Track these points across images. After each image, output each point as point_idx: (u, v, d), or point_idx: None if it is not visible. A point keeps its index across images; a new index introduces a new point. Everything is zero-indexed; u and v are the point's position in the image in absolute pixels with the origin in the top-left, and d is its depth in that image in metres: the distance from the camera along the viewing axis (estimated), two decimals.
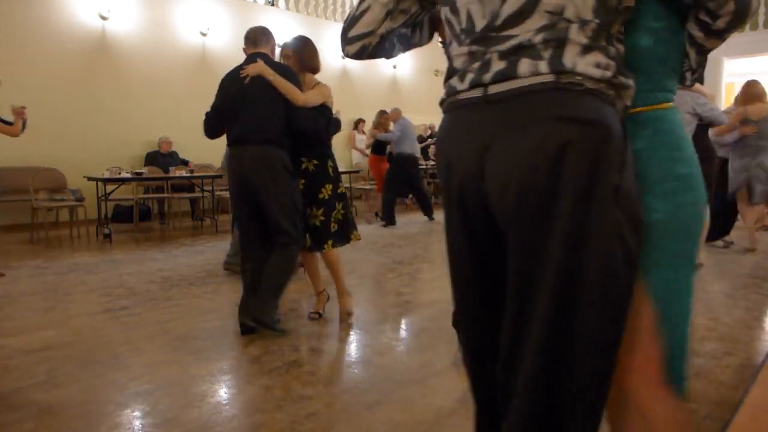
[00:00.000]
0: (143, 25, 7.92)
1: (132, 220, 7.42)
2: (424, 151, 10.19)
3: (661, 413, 1.04)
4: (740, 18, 0.98)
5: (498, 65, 0.92)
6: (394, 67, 11.81)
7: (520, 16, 0.92)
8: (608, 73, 0.90)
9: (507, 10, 0.93)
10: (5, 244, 5.86)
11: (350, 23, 1.17)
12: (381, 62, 11.58)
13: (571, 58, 0.89)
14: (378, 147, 7.85)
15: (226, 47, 8.88)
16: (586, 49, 0.90)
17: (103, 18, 7.44)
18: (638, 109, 1.04)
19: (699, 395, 2.18)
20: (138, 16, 7.86)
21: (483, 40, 0.96)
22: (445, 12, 1.05)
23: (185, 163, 7.89)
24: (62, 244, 6.05)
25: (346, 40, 1.19)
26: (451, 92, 1.01)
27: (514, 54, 0.91)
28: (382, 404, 2.12)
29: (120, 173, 6.52)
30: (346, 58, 7.24)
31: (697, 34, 1.04)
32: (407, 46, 1.25)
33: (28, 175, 6.17)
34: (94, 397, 2.20)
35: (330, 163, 3.16)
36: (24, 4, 6.76)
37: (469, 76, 0.96)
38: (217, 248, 5.64)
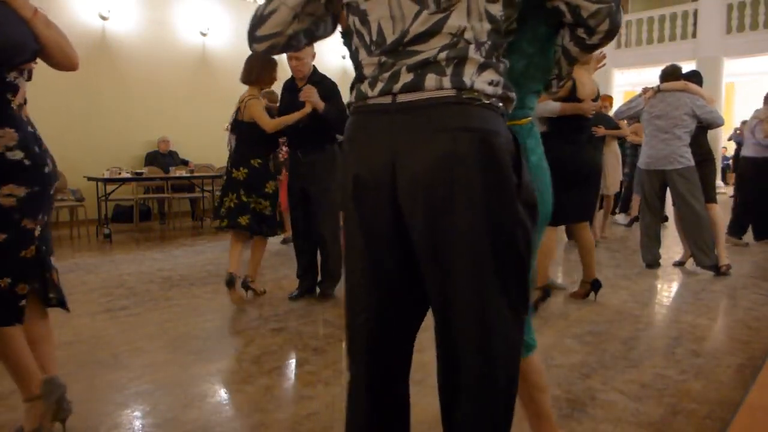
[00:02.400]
0: (143, 25, 7.92)
1: (132, 220, 7.42)
2: None
3: None
4: (611, 36, 1.16)
5: (406, 77, 1.04)
6: None
7: (426, 35, 1.04)
8: (499, 90, 1.06)
9: (416, 29, 1.04)
10: None
11: (257, 22, 1.24)
12: None
13: (469, 75, 1.03)
14: None
15: (226, 47, 8.88)
16: (482, 67, 1.05)
17: (103, 18, 7.45)
18: None
19: (699, 395, 2.18)
20: (138, 16, 7.86)
21: (393, 53, 1.07)
22: (353, 21, 1.14)
23: (185, 163, 7.89)
24: (62, 244, 6.05)
25: (253, 38, 1.27)
26: (360, 97, 1.11)
27: (420, 68, 1.03)
28: None
29: (120, 173, 6.53)
30: (347, 58, 7.31)
31: (574, 48, 1.22)
32: (312, 39, 1.33)
33: None
34: (94, 397, 2.20)
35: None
36: None
37: (380, 85, 1.07)
38: (217, 248, 5.64)
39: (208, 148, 8.25)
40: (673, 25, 12.23)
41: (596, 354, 2.62)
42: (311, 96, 3.34)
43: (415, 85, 1.03)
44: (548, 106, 3.25)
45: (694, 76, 4.51)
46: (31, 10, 1.59)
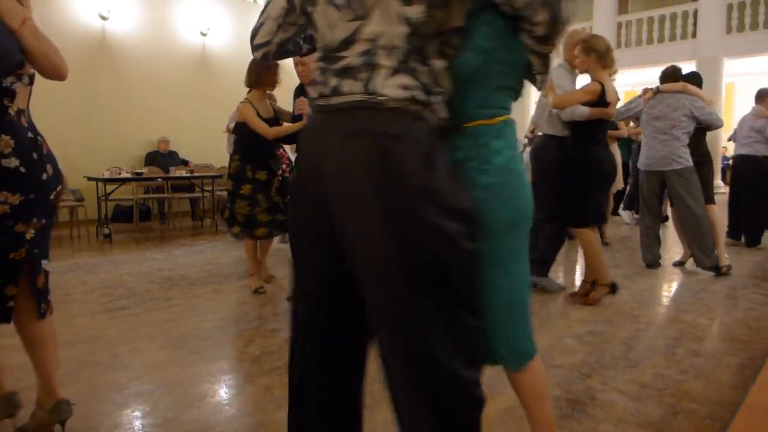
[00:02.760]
0: (143, 25, 7.92)
1: (132, 220, 7.42)
2: None
3: None
4: (556, 25, 1.13)
5: (333, 82, 1.12)
6: None
7: (347, 43, 1.11)
8: (409, 93, 1.07)
9: (339, 36, 1.12)
10: None
11: (253, 34, 1.36)
12: None
13: (380, 80, 1.07)
14: None
15: (226, 47, 8.88)
16: (395, 72, 1.08)
17: (103, 18, 7.44)
18: (465, 123, 1.22)
19: (699, 395, 2.18)
20: (138, 16, 7.86)
21: (327, 59, 1.16)
22: (312, 29, 1.24)
23: (185, 163, 7.89)
24: (62, 244, 6.05)
25: (252, 47, 1.39)
26: (310, 99, 1.21)
27: (342, 74, 1.11)
28: (382, 404, 2.11)
29: (120, 173, 6.53)
30: None
31: (528, 41, 1.19)
32: (299, 51, 1.44)
33: None
34: (94, 397, 2.20)
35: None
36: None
37: (318, 87, 1.16)
38: (217, 248, 5.64)
39: (208, 148, 8.24)
40: (673, 25, 12.22)
41: (596, 354, 2.62)
42: (304, 108, 3.37)
43: (337, 90, 1.11)
44: (577, 110, 3.31)
45: (694, 78, 4.51)
46: (18, 20, 1.57)
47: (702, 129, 4.37)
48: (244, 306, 3.57)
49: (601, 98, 3.24)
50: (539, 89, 1.34)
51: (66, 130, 7.04)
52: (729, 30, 11.47)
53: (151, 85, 7.95)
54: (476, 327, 1.13)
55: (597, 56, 3.23)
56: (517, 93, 1.29)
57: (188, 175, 7.08)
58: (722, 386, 2.28)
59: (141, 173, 6.76)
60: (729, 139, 8.33)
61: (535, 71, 1.27)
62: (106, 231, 6.20)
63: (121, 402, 2.16)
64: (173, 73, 8.18)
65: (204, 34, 8.59)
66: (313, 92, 1.18)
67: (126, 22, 7.72)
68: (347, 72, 1.10)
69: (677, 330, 3.00)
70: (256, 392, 2.24)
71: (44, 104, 6.57)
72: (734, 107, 14.45)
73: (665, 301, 3.68)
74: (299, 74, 3.59)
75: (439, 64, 1.13)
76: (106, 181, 6.33)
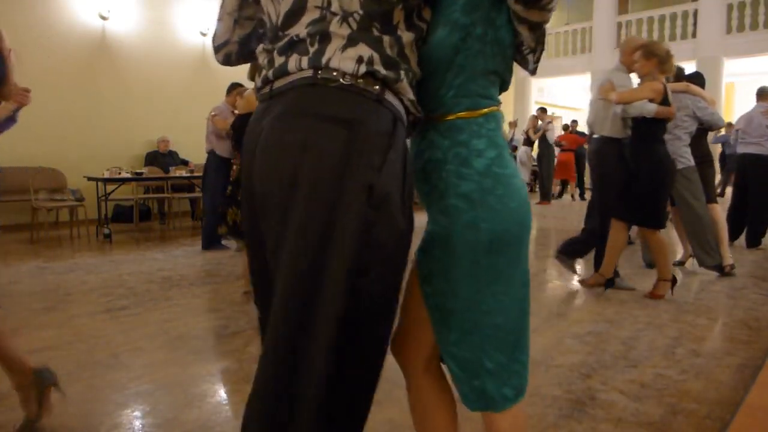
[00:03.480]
0: (143, 25, 7.92)
1: (132, 220, 7.42)
2: None
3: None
4: None
5: (278, 61, 0.93)
6: None
7: (294, 15, 0.93)
8: (371, 67, 0.88)
9: (284, 8, 0.94)
10: (5, 244, 5.86)
11: (213, 36, 1.22)
12: None
13: (331, 52, 0.89)
14: None
15: None
16: (350, 42, 0.89)
17: (103, 18, 7.44)
18: (439, 116, 1.02)
19: (699, 395, 2.18)
20: (138, 16, 7.86)
21: (272, 40, 0.98)
22: (262, 14, 1.06)
23: (185, 163, 7.89)
24: (62, 244, 6.05)
25: (214, 50, 1.24)
26: (256, 88, 1.02)
27: (288, 50, 0.92)
28: (382, 404, 2.12)
29: (120, 173, 6.52)
30: None
31: (515, 7, 0.95)
32: None
33: (28, 175, 6.17)
34: (94, 397, 2.20)
35: None
36: (24, 3, 6.75)
37: (263, 73, 0.97)
38: (217, 248, 5.63)
39: None
40: (673, 25, 12.22)
41: (596, 354, 2.62)
42: None
43: (282, 69, 0.92)
44: (646, 107, 3.39)
45: (697, 78, 4.52)
46: None
47: (703, 129, 4.37)
48: (244, 306, 3.56)
49: (664, 98, 3.35)
50: (532, 73, 1.09)
51: (66, 130, 7.04)
52: (729, 30, 11.47)
53: (151, 85, 7.94)
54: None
55: (658, 61, 3.38)
56: (503, 80, 1.06)
57: (188, 175, 7.07)
58: (722, 386, 2.28)
59: (141, 173, 6.76)
60: (713, 142, 8.30)
61: (526, 49, 1.03)
62: (106, 231, 6.20)
63: (121, 402, 2.16)
64: (173, 73, 8.17)
65: (204, 34, 8.59)
66: (257, 81, 1.00)
67: (126, 22, 7.72)
68: (293, 47, 0.91)
69: (677, 330, 3.00)
70: None
71: (44, 104, 6.59)
72: (734, 107, 14.44)
73: (665, 301, 3.67)
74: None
75: (407, 35, 0.94)
76: (106, 181, 6.33)
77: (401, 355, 1.18)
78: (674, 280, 3.65)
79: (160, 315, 3.32)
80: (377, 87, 0.90)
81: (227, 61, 1.24)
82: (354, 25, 0.89)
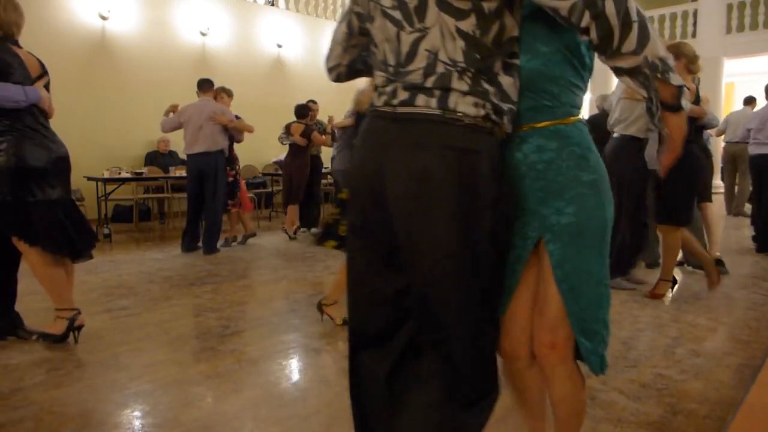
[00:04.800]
0: (143, 25, 7.92)
1: (132, 220, 7.42)
2: None
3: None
4: (602, 27, 1.05)
5: (402, 95, 1.17)
6: None
7: (409, 57, 1.17)
8: (483, 112, 1.14)
9: (401, 49, 1.18)
10: None
11: (326, 58, 1.50)
12: None
13: (454, 100, 1.13)
14: None
15: (226, 47, 8.88)
16: (466, 94, 1.13)
17: (103, 18, 7.44)
18: (543, 123, 1.24)
19: (699, 395, 2.19)
20: (138, 16, 7.85)
21: (393, 73, 1.20)
22: (372, 47, 1.30)
23: (185, 163, 7.88)
24: None
25: (327, 70, 1.52)
26: (371, 105, 1.26)
27: (414, 90, 1.15)
28: None
29: (120, 173, 6.52)
30: None
31: (600, 58, 1.15)
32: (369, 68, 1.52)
33: None
34: (94, 397, 2.20)
35: None
36: (24, 3, 6.72)
37: (383, 98, 1.21)
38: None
39: None
40: (673, 25, 12.22)
41: None
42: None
43: (409, 102, 1.15)
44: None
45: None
46: None
47: (699, 127, 4.37)
48: (244, 306, 3.57)
49: (696, 98, 3.37)
50: (656, 125, 1.22)
51: (66, 130, 7.00)
52: (729, 30, 11.47)
53: (151, 85, 7.94)
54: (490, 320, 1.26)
55: (687, 61, 3.37)
56: (583, 91, 1.30)
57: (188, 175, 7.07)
58: (722, 386, 2.28)
59: (141, 173, 6.75)
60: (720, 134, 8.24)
61: (647, 104, 1.18)
62: (106, 231, 6.20)
63: (121, 402, 2.16)
64: (173, 73, 8.17)
65: (204, 34, 8.59)
66: (377, 100, 1.24)
67: (126, 22, 7.71)
68: (418, 89, 1.15)
69: (677, 330, 3.00)
70: (257, 392, 2.24)
71: None
72: (734, 107, 14.45)
73: (665, 301, 3.67)
74: None
75: (506, 80, 1.17)
76: (106, 180, 6.33)
77: (514, 341, 1.34)
78: (674, 281, 3.65)
79: (160, 315, 3.32)
80: (489, 124, 1.15)
81: (338, 79, 1.54)
82: (468, 81, 1.13)
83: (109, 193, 6.60)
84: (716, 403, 2.12)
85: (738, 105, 10.01)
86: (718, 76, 11.33)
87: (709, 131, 7.47)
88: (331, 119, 6.64)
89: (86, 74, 7.34)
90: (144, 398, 2.19)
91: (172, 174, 7.05)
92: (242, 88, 8.97)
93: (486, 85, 1.14)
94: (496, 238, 1.18)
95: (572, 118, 1.26)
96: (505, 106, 1.17)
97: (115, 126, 7.59)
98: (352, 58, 1.47)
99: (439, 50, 1.13)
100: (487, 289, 1.20)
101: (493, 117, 1.15)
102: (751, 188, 6.45)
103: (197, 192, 5.43)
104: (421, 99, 1.14)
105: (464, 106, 1.12)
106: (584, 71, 1.27)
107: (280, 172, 8.64)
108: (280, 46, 9.61)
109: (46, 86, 2.94)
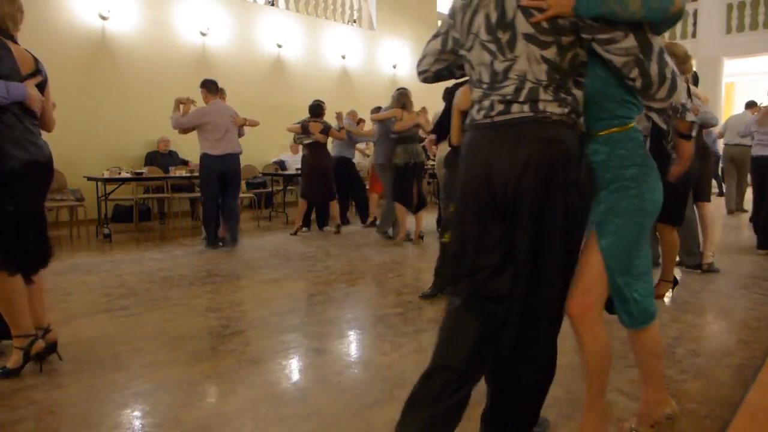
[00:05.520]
0: (143, 25, 7.92)
1: (132, 220, 7.42)
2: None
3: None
4: (646, 80, 1.45)
5: (499, 107, 1.52)
6: (394, 67, 11.80)
7: (503, 78, 1.52)
8: (566, 110, 1.49)
9: (494, 71, 1.54)
10: None
11: (418, 63, 1.87)
12: (381, 61, 11.58)
13: (542, 105, 1.48)
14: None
15: (226, 47, 8.88)
16: (551, 101, 1.48)
17: (103, 18, 7.44)
18: (599, 132, 1.60)
19: (699, 395, 2.18)
20: (138, 16, 7.85)
21: (488, 89, 1.56)
22: (466, 65, 1.67)
23: (185, 163, 7.88)
24: (62, 244, 6.05)
25: (418, 74, 1.89)
26: (471, 119, 1.62)
27: (508, 102, 1.51)
28: (382, 404, 2.12)
29: (120, 173, 6.52)
30: (347, 58, 7.59)
31: (639, 96, 1.56)
32: (453, 77, 1.89)
33: None
34: (94, 397, 2.20)
35: None
36: (24, 3, 6.72)
37: (482, 112, 1.57)
38: (217, 248, 5.63)
39: None
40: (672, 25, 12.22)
41: None
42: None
43: (505, 112, 1.51)
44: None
45: (691, 76, 4.51)
46: None
47: (698, 125, 4.38)
48: (244, 306, 3.57)
49: (686, 92, 3.42)
50: (669, 150, 1.68)
51: (66, 130, 7.03)
52: (729, 30, 11.47)
53: (151, 85, 7.94)
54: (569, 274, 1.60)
55: (678, 61, 3.42)
56: (637, 106, 1.61)
57: (188, 175, 7.07)
58: (722, 386, 2.28)
59: (141, 173, 6.75)
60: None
61: (664, 139, 1.68)
62: (106, 231, 6.20)
63: (121, 402, 2.16)
64: (173, 73, 8.17)
65: (204, 34, 8.59)
66: (475, 113, 1.59)
67: (126, 22, 7.71)
68: (511, 102, 1.50)
69: (677, 330, 3.00)
70: (257, 392, 2.24)
71: None
72: (734, 107, 14.45)
73: (665, 301, 3.67)
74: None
75: (578, 93, 1.53)
76: (106, 180, 6.33)
77: (577, 303, 1.62)
78: (675, 281, 3.65)
79: (160, 315, 3.32)
80: (571, 120, 1.50)
81: (425, 81, 1.90)
82: (551, 93, 1.48)
83: (109, 193, 6.60)
84: (716, 403, 2.12)
85: (738, 105, 10.03)
86: (718, 76, 11.33)
87: (713, 131, 7.47)
88: (339, 115, 6.73)
89: (86, 74, 7.34)
90: (144, 398, 2.19)
91: (172, 174, 7.05)
92: (242, 88, 8.99)
93: (564, 95, 1.49)
94: (579, 208, 1.52)
95: (624, 127, 1.59)
96: (579, 110, 1.54)
97: (115, 126, 7.59)
98: (439, 67, 1.83)
99: (527, 72, 1.48)
100: (574, 249, 1.58)
101: (573, 118, 1.50)
102: (750, 188, 6.52)
103: (217, 192, 5.64)
104: (515, 107, 1.49)
105: (551, 107, 1.47)
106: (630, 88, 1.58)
107: (280, 172, 8.67)
108: (280, 46, 9.61)
109: (40, 86, 2.65)
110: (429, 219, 8.01)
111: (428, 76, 1.87)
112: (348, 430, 1.94)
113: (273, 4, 9.94)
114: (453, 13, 1.70)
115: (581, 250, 1.62)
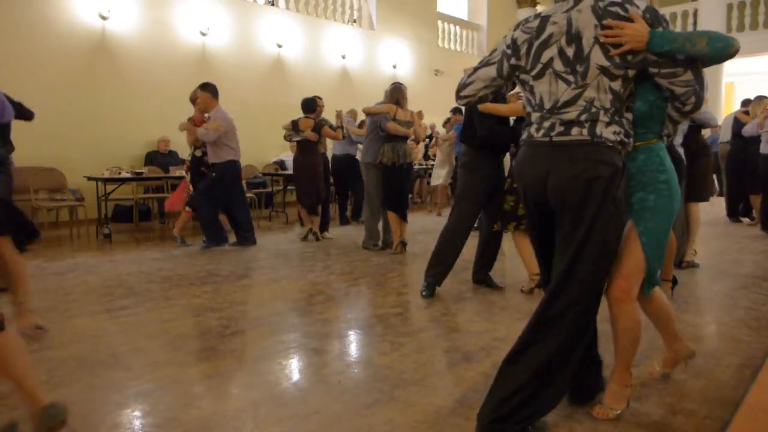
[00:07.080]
0: (143, 25, 7.92)
1: (132, 219, 7.42)
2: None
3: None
4: (697, 107, 1.82)
5: (559, 128, 1.81)
6: (394, 66, 11.79)
7: (569, 103, 1.80)
8: (619, 138, 1.78)
9: (563, 98, 1.81)
10: None
11: (461, 87, 2.04)
12: (381, 62, 11.58)
13: (600, 129, 1.76)
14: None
15: (226, 47, 8.87)
16: (608, 124, 1.77)
17: (103, 18, 7.44)
18: (637, 144, 1.89)
19: (699, 395, 2.18)
20: (138, 16, 7.85)
21: (550, 113, 1.84)
22: (525, 91, 1.93)
23: (185, 162, 7.88)
24: (62, 244, 6.05)
25: (458, 97, 2.06)
26: (529, 136, 1.89)
27: (568, 124, 1.79)
28: (382, 404, 2.12)
29: (120, 173, 6.52)
30: (347, 58, 7.59)
31: (674, 114, 1.90)
32: (488, 100, 2.15)
33: (28, 175, 6.16)
34: (94, 397, 2.20)
35: None
36: (24, 3, 6.75)
37: (542, 131, 1.85)
38: (218, 248, 5.63)
39: None
40: (673, 25, 12.22)
41: None
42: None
43: (565, 133, 1.79)
44: None
45: None
46: None
47: (697, 126, 4.38)
48: (244, 306, 3.57)
49: None
50: (667, 146, 2.00)
51: (66, 130, 7.04)
52: (729, 30, 11.47)
53: (151, 85, 7.94)
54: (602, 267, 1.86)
55: None
56: (662, 124, 1.93)
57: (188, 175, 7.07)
58: (722, 386, 2.28)
59: (141, 173, 6.75)
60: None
61: (665, 134, 1.96)
62: (106, 231, 6.20)
63: (121, 402, 2.16)
64: (173, 73, 8.17)
65: (204, 34, 8.59)
66: (534, 132, 1.86)
67: (126, 22, 7.71)
68: (572, 123, 1.77)
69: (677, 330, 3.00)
70: (257, 392, 2.24)
71: (44, 104, 6.58)
72: (734, 107, 14.44)
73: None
74: None
75: (629, 116, 1.83)
76: (106, 180, 6.33)
77: (617, 288, 1.93)
78: (675, 281, 3.66)
79: (160, 315, 3.32)
80: (620, 146, 1.79)
81: (467, 104, 2.12)
82: (609, 116, 1.77)
83: (109, 193, 6.60)
84: (716, 402, 2.12)
85: (738, 105, 9.99)
86: (718, 76, 11.33)
87: (712, 130, 7.51)
88: (339, 114, 6.56)
89: (86, 74, 7.34)
90: (144, 398, 2.19)
91: (172, 174, 7.05)
92: (242, 88, 8.99)
93: (618, 119, 1.77)
94: (615, 217, 1.80)
95: (654, 140, 1.91)
96: (630, 132, 1.82)
97: (115, 126, 7.59)
98: (487, 92, 2.02)
99: (594, 99, 1.77)
100: (613, 250, 1.85)
101: (625, 140, 1.79)
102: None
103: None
104: (575, 130, 1.77)
105: (607, 133, 1.75)
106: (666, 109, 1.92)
107: (280, 172, 8.66)
108: (280, 46, 9.61)
109: None
110: (419, 222, 7.97)
111: (472, 100, 2.05)
112: (348, 430, 1.94)
113: (273, 4, 9.93)
114: (513, 44, 1.90)
115: (622, 242, 1.89)
